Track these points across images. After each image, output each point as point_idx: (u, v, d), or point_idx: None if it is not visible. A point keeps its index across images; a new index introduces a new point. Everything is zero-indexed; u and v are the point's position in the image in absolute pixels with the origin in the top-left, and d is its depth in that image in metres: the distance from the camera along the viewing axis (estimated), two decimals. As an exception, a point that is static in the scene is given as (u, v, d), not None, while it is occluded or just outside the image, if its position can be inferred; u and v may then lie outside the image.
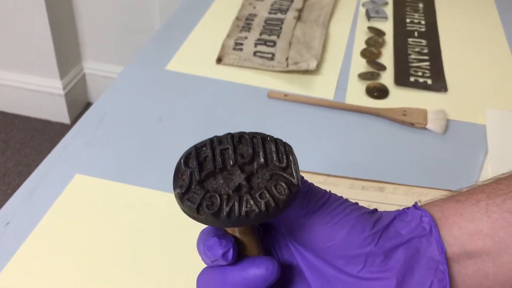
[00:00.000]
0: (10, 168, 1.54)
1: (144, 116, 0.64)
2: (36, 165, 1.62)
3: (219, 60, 0.74)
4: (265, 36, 0.79)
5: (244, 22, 0.83)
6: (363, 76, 0.72)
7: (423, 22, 0.87)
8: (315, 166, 0.56)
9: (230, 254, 0.27)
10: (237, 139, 0.29)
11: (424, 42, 0.82)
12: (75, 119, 1.71)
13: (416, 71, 0.74)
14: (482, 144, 0.62)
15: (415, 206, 0.32)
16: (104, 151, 0.58)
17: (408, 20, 0.88)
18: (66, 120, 1.70)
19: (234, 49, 0.76)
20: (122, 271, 0.45)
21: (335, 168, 0.57)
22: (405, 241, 0.29)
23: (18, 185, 1.47)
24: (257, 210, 0.26)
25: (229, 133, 0.29)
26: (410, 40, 0.82)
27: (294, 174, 0.27)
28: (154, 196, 0.52)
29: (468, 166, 0.59)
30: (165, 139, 0.60)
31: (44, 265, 0.45)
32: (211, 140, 0.29)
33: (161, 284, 0.44)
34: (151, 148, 0.59)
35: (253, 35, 0.79)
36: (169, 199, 0.52)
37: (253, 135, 0.29)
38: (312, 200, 0.29)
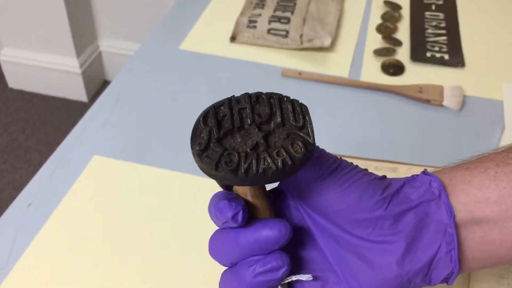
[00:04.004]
0: (31, 146, 1.57)
1: (159, 96, 0.64)
2: (56, 143, 1.64)
3: (233, 39, 0.74)
4: (279, 13, 0.78)
5: (258, -1, 0.82)
6: (378, 52, 0.72)
7: (440, -6, 0.85)
8: (328, 146, 0.56)
9: (240, 216, 0.28)
10: (255, 99, 0.29)
11: (441, 15, 0.80)
12: (92, 97, 1.73)
13: (433, 46, 0.73)
14: (499, 120, 0.61)
15: (424, 172, 0.32)
16: (120, 132, 0.59)
17: (425, -7, 0.86)
18: (83, 98, 1.71)
19: (248, 26, 0.75)
20: (140, 250, 0.47)
21: (349, 147, 0.57)
22: (415, 206, 0.30)
23: (39, 163, 1.50)
24: (274, 167, 0.26)
25: (247, 93, 0.29)
26: (427, 13, 0.80)
27: (310, 133, 0.28)
28: (170, 176, 0.53)
29: (484, 143, 0.59)
30: (180, 118, 0.61)
31: (65, 245, 0.47)
32: (229, 99, 0.29)
33: (178, 263, 0.46)
34: (167, 128, 0.60)
35: (267, 12, 0.78)
36: (184, 179, 0.53)
37: (270, 95, 0.29)
38: (324, 165, 0.30)
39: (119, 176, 0.54)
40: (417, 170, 0.49)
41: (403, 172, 0.49)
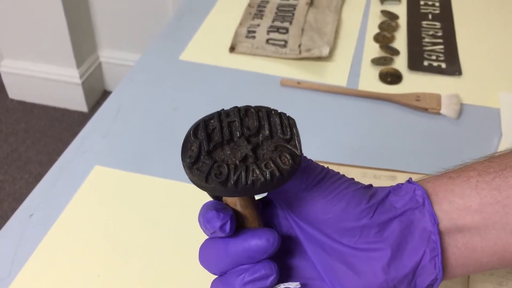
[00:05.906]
0: (31, 157, 1.57)
1: (160, 106, 0.65)
2: (56, 154, 1.64)
3: (232, 49, 0.74)
4: (277, 23, 0.79)
5: (257, 9, 0.83)
6: (376, 62, 0.72)
7: (437, 4, 0.86)
8: (327, 154, 0.57)
9: (228, 226, 0.28)
10: (243, 112, 0.30)
11: (438, 24, 0.81)
12: (92, 107, 1.74)
13: (430, 55, 0.74)
14: (497, 128, 0.62)
15: (409, 181, 0.33)
16: (121, 142, 0.59)
17: (422, 2, 0.87)
18: (84, 108, 1.72)
19: (246, 37, 0.76)
20: (142, 260, 0.47)
21: (348, 155, 0.57)
22: (399, 214, 0.30)
23: (40, 174, 1.51)
24: (262, 179, 0.27)
25: (236, 107, 0.30)
26: (424, 23, 0.81)
27: (298, 145, 0.28)
28: (172, 186, 0.54)
29: (482, 151, 0.59)
30: (180, 128, 0.61)
31: (67, 255, 0.47)
32: (218, 113, 0.30)
33: (181, 273, 0.46)
34: (167, 137, 0.60)
35: (266, 22, 0.79)
36: (186, 189, 0.53)
37: (258, 109, 0.30)
38: (311, 175, 0.31)
39: (121, 186, 0.54)
40: (416, 178, 0.50)
41: (402, 180, 0.50)
